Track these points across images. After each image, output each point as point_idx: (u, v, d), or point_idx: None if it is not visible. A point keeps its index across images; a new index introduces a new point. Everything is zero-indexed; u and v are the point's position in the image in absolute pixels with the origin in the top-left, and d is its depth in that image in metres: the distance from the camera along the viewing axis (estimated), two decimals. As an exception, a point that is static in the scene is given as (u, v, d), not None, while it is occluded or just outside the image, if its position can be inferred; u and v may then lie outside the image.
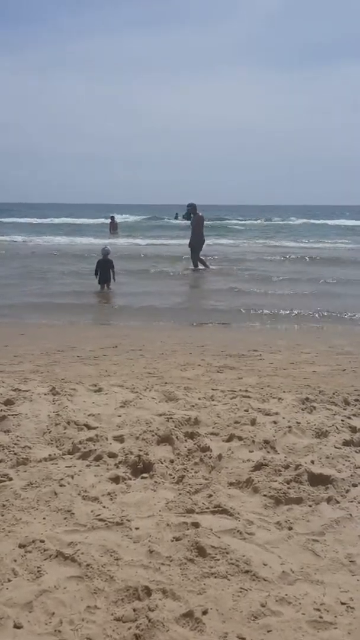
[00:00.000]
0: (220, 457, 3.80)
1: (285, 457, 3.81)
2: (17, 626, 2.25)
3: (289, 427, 4.29)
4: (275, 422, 4.43)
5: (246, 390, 5.40)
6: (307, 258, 22.81)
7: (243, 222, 55.84)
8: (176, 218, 54.88)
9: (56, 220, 54.46)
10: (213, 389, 5.48)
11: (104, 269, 14.71)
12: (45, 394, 5.20)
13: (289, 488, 3.40)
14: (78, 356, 7.38)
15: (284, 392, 5.40)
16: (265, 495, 3.34)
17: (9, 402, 4.88)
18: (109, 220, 36.34)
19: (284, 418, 4.52)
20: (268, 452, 3.92)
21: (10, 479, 3.49)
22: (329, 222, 55.32)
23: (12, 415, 4.54)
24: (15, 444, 4.00)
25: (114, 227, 34.88)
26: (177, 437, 4.06)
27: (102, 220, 48.36)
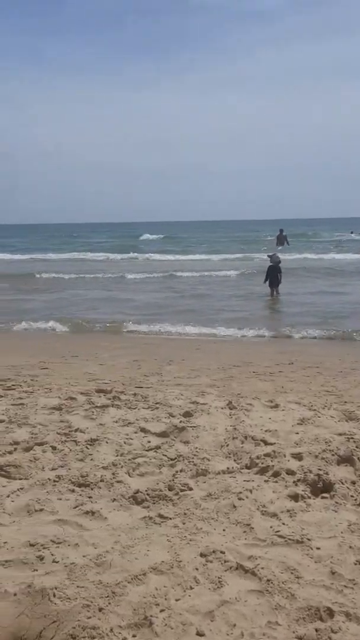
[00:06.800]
0: None
1: None
2: (200, 634, 2.29)
3: None
4: None
5: None
6: None
7: None
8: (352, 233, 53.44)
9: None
10: None
11: (274, 274, 15.81)
12: (222, 408, 5.29)
13: None
14: (254, 372, 7.42)
15: None
16: None
17: (187, 414, 5.02)
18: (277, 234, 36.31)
19: None
20: None
21: (191, 489, 3.57)
22: None
23: (191, 427, 4.67)
24: (194, 455, 4.10)
25: (280, 241, 34.87)
26: (359, 458, 3.91)
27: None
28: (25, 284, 20.51)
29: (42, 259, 34.91)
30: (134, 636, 2.27)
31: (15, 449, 4.23)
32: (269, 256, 16.61)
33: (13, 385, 6.30)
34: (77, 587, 2.52)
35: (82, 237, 66.52)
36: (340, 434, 4.38)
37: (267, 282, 16.10)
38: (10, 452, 4.17)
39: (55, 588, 2.48)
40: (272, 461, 3.93)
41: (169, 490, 3.55)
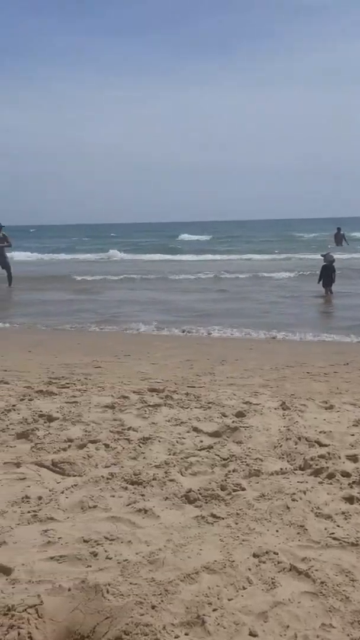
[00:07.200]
0: None
1: None
2: (253, 634, 2.27)
3: None
4: None
5: None
6: None
7: None
8: None
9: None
10: None
11: (327, 274, 15.88)
12: (275, 408, 5.25)
13: None
14: (307, 372, 7.32)
15: None
16: None
17: (240, 414, 5.00)
18: (334, 232, 35.63)
19: None
20: None
21: (243, 489, 3.55)
22: None
23: (244, 427, 4.64)
24: (247, 455, 4.08)
25: (338, 240, 34.11)
26: None
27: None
28: (68, 285, 20.73)
29: (83, 260, 35.14)
30: (186, 634, 2.27)
31: (69, 446, 4.29)
32: (322, 255, 16.41)
33: (67, 383, 6.40)
34: (130, 584, 2.53)
35: (120, 237, 67.01)
36: None
37: (321, 282, 15.87)
38: (64, 449, 4.24)
39: (109, 584, 2.50)
40: (326, 463, 3.87)
41: (222, 490, 3.54)
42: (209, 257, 34.67)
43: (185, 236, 61.53)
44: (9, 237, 19.81)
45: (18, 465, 3.97)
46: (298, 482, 3.64)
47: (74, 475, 3.83)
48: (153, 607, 2.38)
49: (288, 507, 3.28)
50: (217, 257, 34.81)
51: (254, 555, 2.80)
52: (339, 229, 34.88)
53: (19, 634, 2.23)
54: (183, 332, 11.21)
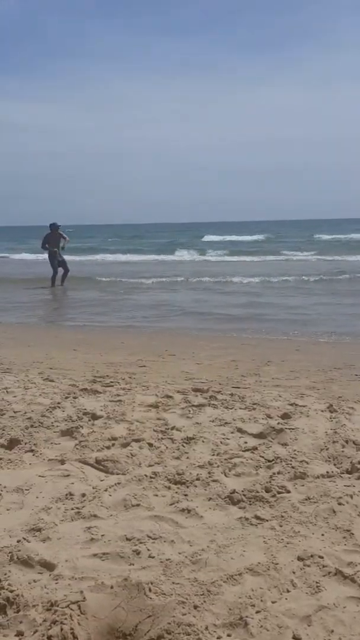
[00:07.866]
0: None
1: None
2: (296, 637, 2.23)
3: None
4: None
5: None
6: None
7: None
8: None
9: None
10: None
11: None
12: (322, 411, 5.17)
13: None
14: (356, 375, 7.18)
15: None
16: None
17: (286, 416, 4.94)
18: None
19: None
20: None
21: (288, 492, 3.50)
22: None
23: (289, 429, 4.58)
24: (292, 457, 4.02)
25: None
26: None
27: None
28: (103, 286, 20.77)
29: (118, 262, 35.07)
30: (228, 635, 2.24)
31: (113, 445, 4.31)
32: None
33: (111, 382, 6.43)
34: (173, 583, 2.52)
35: (142, 238, 66.87)
36: None
37: None
38: (108, 447, 4.25)
39: (151, 583, 2.49)
40: (374, 466, 3.79)
41: (266, 492, 3.50)
42: (242, 258, 34.19)
43: (209, 237, 61.09)
44: (64, 234, 20.67)
45: (62, 462, 4.00)
46: (345, 485, 3.57)
47: (118, 474, 3.84)
48: (195, 607, 2.36)
49: (334, 511, 3.22)
50: (252, 258, 34.34)
51: (299, 559, 2.75)
52: None
53: (61, 629, 2.24)
54: (228, 333, 11.15)
